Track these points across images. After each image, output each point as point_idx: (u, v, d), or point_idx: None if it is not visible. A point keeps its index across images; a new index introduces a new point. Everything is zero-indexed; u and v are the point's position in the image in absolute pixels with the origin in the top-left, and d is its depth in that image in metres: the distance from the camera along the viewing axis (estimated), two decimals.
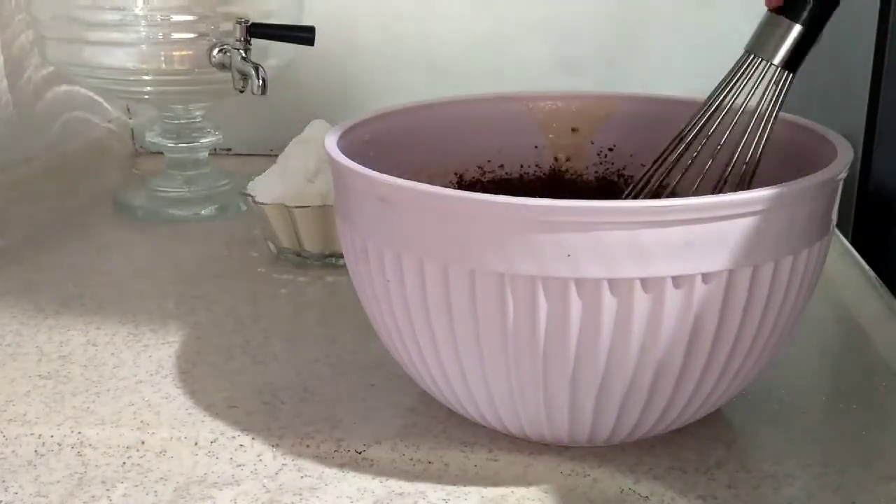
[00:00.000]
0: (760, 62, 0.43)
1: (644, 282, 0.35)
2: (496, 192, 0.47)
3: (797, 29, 0.42)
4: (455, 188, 0.52)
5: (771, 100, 0.43)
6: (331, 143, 0.43)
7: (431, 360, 0.41)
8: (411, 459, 0.43)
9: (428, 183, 0.47)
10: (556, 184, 0.54)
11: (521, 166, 0.54)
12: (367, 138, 0.48)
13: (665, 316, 0.36)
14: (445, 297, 0.38)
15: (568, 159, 0.54)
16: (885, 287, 0.58)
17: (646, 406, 0.39)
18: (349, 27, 0.89)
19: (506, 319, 0.37)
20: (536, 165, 0.54)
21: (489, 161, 0.53)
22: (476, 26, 0.89)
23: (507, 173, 0.54)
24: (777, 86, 0.43)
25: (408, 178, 0.44)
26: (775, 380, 0.49)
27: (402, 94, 0.53)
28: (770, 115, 0.43)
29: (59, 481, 0.42)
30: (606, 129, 0.53)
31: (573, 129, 0.53)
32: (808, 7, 0.42)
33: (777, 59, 0.43)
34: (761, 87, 0.43)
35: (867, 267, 0.61)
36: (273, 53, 0.75)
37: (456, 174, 0.53)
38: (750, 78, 0.44)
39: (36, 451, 0.45)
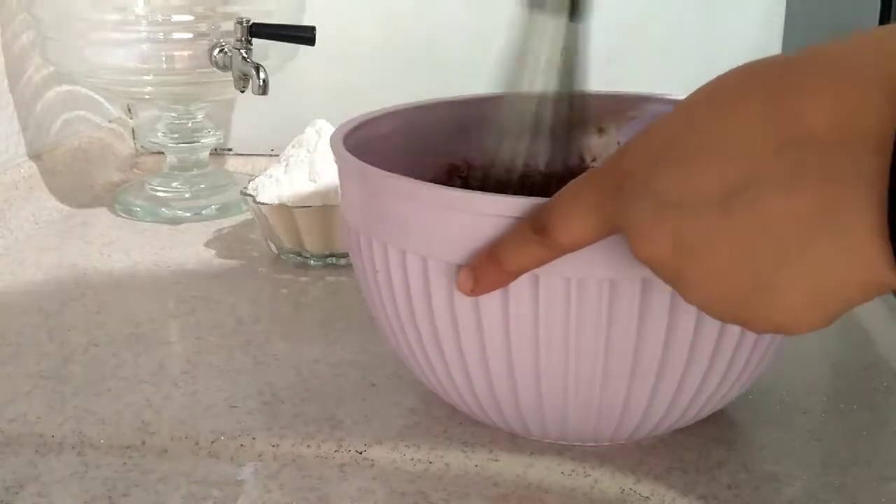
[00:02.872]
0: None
1: (646, 282, 0.35)
2: (521, 190, 0.47)
3: None
4: (479, 184, 0.52)
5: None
6: (336, 136, 0.44)
7: (420, 355, 0.41)
8: (412, 459, 0.43)
9: (447, 180, 0.47)
10: None
11: (547, 165, 0.54)
12: (385, 132, 0.48)
13: (668, 315, 0.36)
14: (425, 290, 0.38)
15: (594, 160, 0.54)
16: None
17: (648, 406, 0.39)
18: (349, 27, 0.89)
19: (480, 317, 0.37)
20: (562, 164, 0.54)
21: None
22: (476, 25, 0.89)
23: (530, 171, 0.54)
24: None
25: (428, 175, 0.44)
26: (776, 380, 0.49)
27: (403, 94, 0.53)
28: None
29: (59, 481, 0.42)
30: (634, 129, 0.53)
31: (599, 130, 0.53)
32: None
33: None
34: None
35: None
36: (273, 53, 0.75)
37: (479, 169, 0.53)
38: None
39: (37, 450, 0.45)
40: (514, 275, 0.36)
